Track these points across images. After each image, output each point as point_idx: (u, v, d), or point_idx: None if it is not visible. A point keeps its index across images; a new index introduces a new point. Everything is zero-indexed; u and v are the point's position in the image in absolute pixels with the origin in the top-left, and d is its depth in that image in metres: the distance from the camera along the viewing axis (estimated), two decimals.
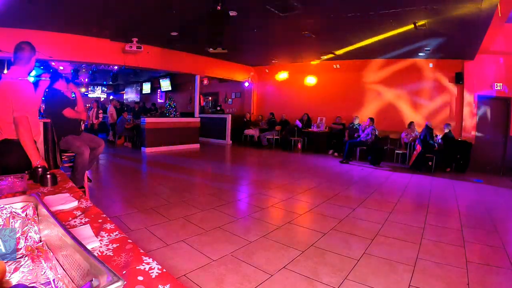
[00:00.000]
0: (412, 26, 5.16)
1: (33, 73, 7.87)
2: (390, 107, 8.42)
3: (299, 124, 9.35)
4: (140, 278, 0.74)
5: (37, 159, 1.87)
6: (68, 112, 3.29)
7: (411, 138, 7.25)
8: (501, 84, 6.94)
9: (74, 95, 3.65)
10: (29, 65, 2.15)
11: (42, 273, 0.78)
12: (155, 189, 4.36)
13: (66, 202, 1.27)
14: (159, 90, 14.88)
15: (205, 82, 12.78)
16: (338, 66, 9.20)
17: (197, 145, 9.20)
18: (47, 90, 3.20)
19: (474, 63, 7.18)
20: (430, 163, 6.81)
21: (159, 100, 14.84)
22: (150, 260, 0.82)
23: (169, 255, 2.39)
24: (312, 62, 9.51)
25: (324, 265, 2.33)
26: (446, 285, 2.09)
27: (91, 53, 6.92)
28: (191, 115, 10.35)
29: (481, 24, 4.75)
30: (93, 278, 0.59)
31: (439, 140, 7.06)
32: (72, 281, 0.69)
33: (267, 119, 10.39)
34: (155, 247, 2.49)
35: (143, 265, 0.80)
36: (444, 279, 2.17)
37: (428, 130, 6.88)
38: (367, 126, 7.52)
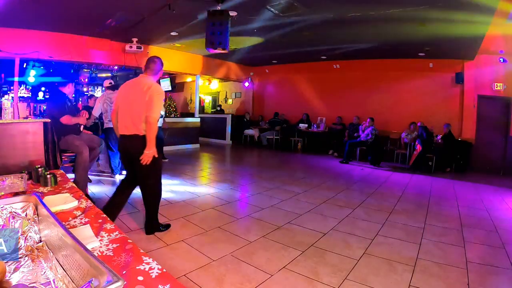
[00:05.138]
0: (412, 25, 5.16)
1: (33, 72, 7.86)
2: (390, 107, 8.42)
3: (303, 126, 9.31)
4: (140, 278, 0.74)
5: (151, 149, 2.40)
6: (65, 120, 3.29)
7: (411, 138, 7.25)
8: (501, 84, 6.94)
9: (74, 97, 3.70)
10: (157, 76, 2.60)
11: (42, 273, 0.78)
12: None
13: (66, 202, 1.27)
14: None
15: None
16: (338, 66, 9.20)
17: (197, 145, 9.19)
18: (49, 90, 3.21)
19: (474, 63, 7.18)
20: (430, 163, 6.81)
21: None
22: (150, 260, 0.82)
23: (169, 255, 2.39)
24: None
25: (324, 265, 2.33)
26: (446, 285, 2.09)
27: (91, 53, 6.92)
28: (191, 115, 10.35)
29: (481, 24, 4.74)
30: (93, 278, 0.59)
31: (439, 140, 7.07)
32: (72, 281, 0.70)
33: (270, 119, 10.35)
34: (155, 247, 2.49)
35: (143, 265, 0.80)
36: (444, 279, 2.17)
37: (424, 128, 6.92)
38: (367, 126, 7.52)
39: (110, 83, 4.96)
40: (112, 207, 2.60)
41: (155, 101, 2.40)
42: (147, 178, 2.59)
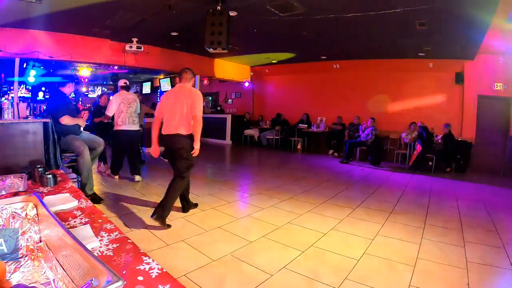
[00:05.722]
0: (412, 25, 5.16)
1: (33, 72, 7.85)
2: (390, 107, 8.42)
3: (303, 126, 9.30)
4: (140, 278, 0.74)
5: (199, 144, 2.94)
6: (65, 120, 3.28)
7: (411, 138, 7.25)
8: (501, 84, 6.94)
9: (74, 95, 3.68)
10: (190, 82, 3.07)
11: (42, 273, 0.79)
12: (155, 189, 4.35)
13: (66, 202, 1.27)
14: (159, 90, 14.87)
15: (205, 82, 12.78)
16: (338, 66, 9.20)
17: None
18: (49, 90, 3.21)
19: (474, 63, 7.18)
20: (430, 163, 6.81)
21: (158, 100, 14.83)
22: (150, 260, 0.82)
23: (169, 255, 2.39)
24: None
25: (324, 265, 2.33)
26: (446, 285, 2.09)
27: (91, 53, 6.92)
28: None
29: (481, 24, 4.75)
30: (93, 278, 0.59)
31: (439, 140, 7.08)
32: (72, 281, 0.70)
33: (272, 118, 10.32)
34: (155, 247, 2.49)
35: (143, 265, 0.80)
36: (444, 279, 2.17)
37: (425, 129, 6.92)
38: (368, 126, 7.52)
39: (125, 83, 4.81)
40: (182, 194, 3.23)
41: (199, 101, 2.92)
42: (182, 170, 3.02)
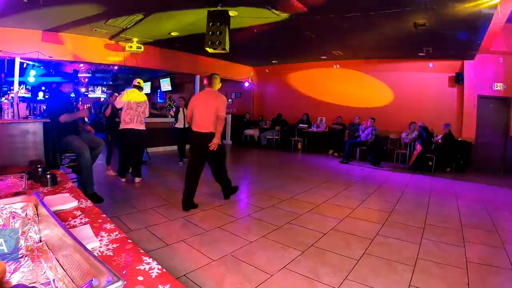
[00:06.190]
0: (412, 25, 5.16)
1: (33, 72, 7.84)
2: (390, 107, 8.42)
3: (303, 126, 9.30)
4: (140, 278, 0.74)
5: (218, 138, 3.43)
6: (63, 118, 3.27)
7: (411, 138, 7.25)
8: (501, 84, 6.94)
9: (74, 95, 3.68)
10: (217, 87, 3.64)
11: (42, 273, 0.79)
12: (155, 189, 4.35)
13: (66, 202, 1.27)
14: (159, 90, 14.86)
15: (205, 82, 12.76)
16: (338, 66, 9.20)
17: None
18: (49, 90, 3.22)
19: (474, 63, 7.18)
20: (430, 163, 6.81)
21: (159, 100, 14.83)
22: (150, 260, 0.82)
23: (169, 255, 2.39)
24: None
25: (324, 265, 2.33)
26: (446, 285, 2.09)
27: (91, 53, 6.92)
28: None
29: (481, 24, 4.75)
30: (93, 278, 0.59)
31: (439, 140, 7.07)
32: (72, 281, 0.69)
33: (272, 118, 10.31)
34: (155, 247, 2.49)
35: (143, 265, 0.80)
36: (444, 279, 2.17)
37: (425, 129, 6.92)
38: (368, 126, 7.52)
39: (139, 82, 4.77)
40: (194, 186, 3.50)
41: (223, 105, 3.48)
42: (219, 159, 3.68)
